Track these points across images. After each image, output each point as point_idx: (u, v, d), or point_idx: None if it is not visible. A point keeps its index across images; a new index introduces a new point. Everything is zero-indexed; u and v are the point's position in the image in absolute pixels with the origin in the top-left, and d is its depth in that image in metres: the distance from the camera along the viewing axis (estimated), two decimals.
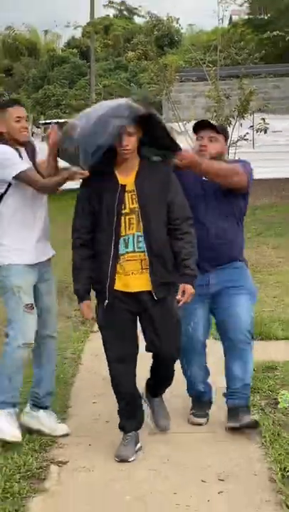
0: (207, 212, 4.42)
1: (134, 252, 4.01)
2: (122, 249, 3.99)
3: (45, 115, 37.57)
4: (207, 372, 4.73)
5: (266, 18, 30.22)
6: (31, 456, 4.09)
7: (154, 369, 4.37)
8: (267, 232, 15.43)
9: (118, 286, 4.01)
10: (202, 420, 4.64)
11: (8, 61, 44.43)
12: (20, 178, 4.22)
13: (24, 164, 4.28)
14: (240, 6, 30.00)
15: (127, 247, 4.00)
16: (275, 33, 28.73)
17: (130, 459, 4.01)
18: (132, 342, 4.17)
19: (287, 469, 3.82)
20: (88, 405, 4.99)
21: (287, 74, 28.14)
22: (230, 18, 31.19)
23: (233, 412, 4.45)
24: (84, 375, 5.72)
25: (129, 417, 4.21)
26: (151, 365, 4.34)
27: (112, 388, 4.22)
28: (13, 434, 4.19)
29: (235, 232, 4.57)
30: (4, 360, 4.32)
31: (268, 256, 12.39)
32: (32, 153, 4.51)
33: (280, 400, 4.92)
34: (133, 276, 4.02)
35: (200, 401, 4.73)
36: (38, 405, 4.53)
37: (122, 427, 4.20)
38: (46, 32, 48.06)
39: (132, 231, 4.00)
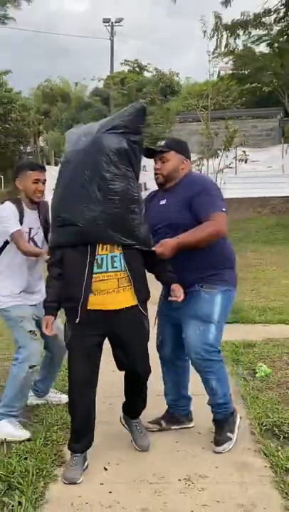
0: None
1: (107, 272, 3.19)
2: (95, 269, 3.18)
3: None
4: (179, 393, 3.90)
5: (246, 73, 30.10)
6: (66, 411, 4.07)
7: (127, 390, 3.60)
8: (246, 239, 15.46)
9: (93, 305, 3.19)
10: (149, 425, 3.82)
11: (46, 106, 44.51)
12: (11, 237, 3.88)
13: (16, 226, 3.87)
14: (226, 63, 29.92)
15: (100, 267, 3.18)
16: (253, 84, 28.90)
17: (78, 481, 3.21)
18: (95, 366, 3.34)
19: (264, 424, 3.82)
20: (108, 373, 4.97)
21: (262, 116, 28.17)
22: (219, 73, 31.06)
23: (215, 425, 3.69)
24: None
25: (80, 439, 3.37)
26: (124, 387, 3.60)
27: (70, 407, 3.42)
28: (21, 435, 3.75)
29: (201, 255, 3.44)
30: (11, 380, 3.88)
31: (247, 258, 12.41)
32: (44, 215, 4.07)
33: (257, 370, 4.94)
34: (110, 295, 3.20)
35: (167, 409, 3.95)
36: (37, 395, 4.37)
37: (71, 448, 3.39)
38: (76, 83, 48.12)
39: (105, 251, 3.19)
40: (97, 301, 3.19)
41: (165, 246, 3.32)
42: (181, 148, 3.72)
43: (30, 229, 4.01)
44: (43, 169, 4.08)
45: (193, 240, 3.33)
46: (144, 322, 3.38)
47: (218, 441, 3.57)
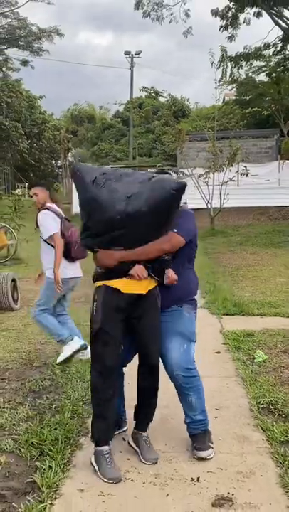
0: None
1: None
2: None
3: (99, 162, 37.78)
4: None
5: (248, 98, 30.03)
6: (89, 389, 4.09)
7: (142, 385, 3.18)
8: (246, 242, 15.40)
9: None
10: None
11: (74, 126, 44.70)
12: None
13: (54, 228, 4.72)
14: (230, 90, 29.88)
15: None
16: (254, 109, 28.84)
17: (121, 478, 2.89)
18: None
19: (261, 403, 3.81)
20: None
21: (261, 136, 28.07)
22: (224, 98, 31.00)
23: (192, 439, 3.22)
24: None
25: (111, 427, 3.11)
26: (138, 387, 3.20)
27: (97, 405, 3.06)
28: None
29: (183, 281, 3.15)
30: None
31: (247, 259, 12.37)
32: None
33: (256, 356, 4.91)
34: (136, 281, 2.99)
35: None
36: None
37: (105, 441, 3.01)
38: (100, 107, 48.33)
39: None
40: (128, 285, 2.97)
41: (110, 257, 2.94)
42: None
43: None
44: (38, 185, 5.05)
45: (145, 253, 2.95)
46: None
47: (201, 449, 3.11)
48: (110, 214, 2.81)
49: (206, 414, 3.24)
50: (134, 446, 3.18)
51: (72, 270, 4.82)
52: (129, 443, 3.22)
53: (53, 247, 4.67)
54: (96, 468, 2.93)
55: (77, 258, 4.82)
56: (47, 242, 4.74)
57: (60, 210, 4.93)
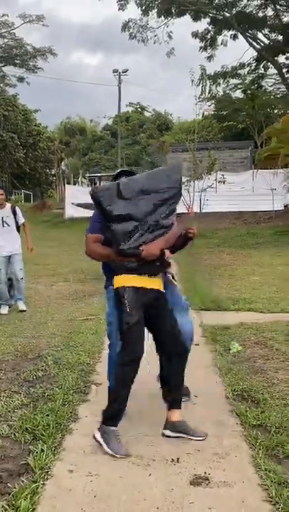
0: None
1: None
2: None
3: (89, 171, 37.66)
4: None
5: (225, 113, 30.21)
6: (79, 379, 4.11)
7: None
8: (224, 244, 15.47)
9: None
10: None
11: (67, 138, 44.57)
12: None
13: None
14: (209, 106, 29.99)
15: None
16: (230, 122, 28.93)
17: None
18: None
19: (235, 390, 3.81)
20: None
21: (237, 148, 28.21)
22: (203, 113, 31.09)
23: None
24: None
25: (121, 414, 3.08)
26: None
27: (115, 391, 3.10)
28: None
29: None
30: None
31: (224, 259, 12.42)
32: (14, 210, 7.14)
33: (231, 347, 4.92)
34: None
35: None
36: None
37: (115, 424, 3.01)
38: (91, 120, 48.31)
39: None
40: None
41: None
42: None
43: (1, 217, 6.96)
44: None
45: None
46: None
47: None
48: None
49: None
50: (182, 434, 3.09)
51: None
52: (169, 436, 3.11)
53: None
54: (104, 445, 2.91)
55: None
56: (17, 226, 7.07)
57: None
